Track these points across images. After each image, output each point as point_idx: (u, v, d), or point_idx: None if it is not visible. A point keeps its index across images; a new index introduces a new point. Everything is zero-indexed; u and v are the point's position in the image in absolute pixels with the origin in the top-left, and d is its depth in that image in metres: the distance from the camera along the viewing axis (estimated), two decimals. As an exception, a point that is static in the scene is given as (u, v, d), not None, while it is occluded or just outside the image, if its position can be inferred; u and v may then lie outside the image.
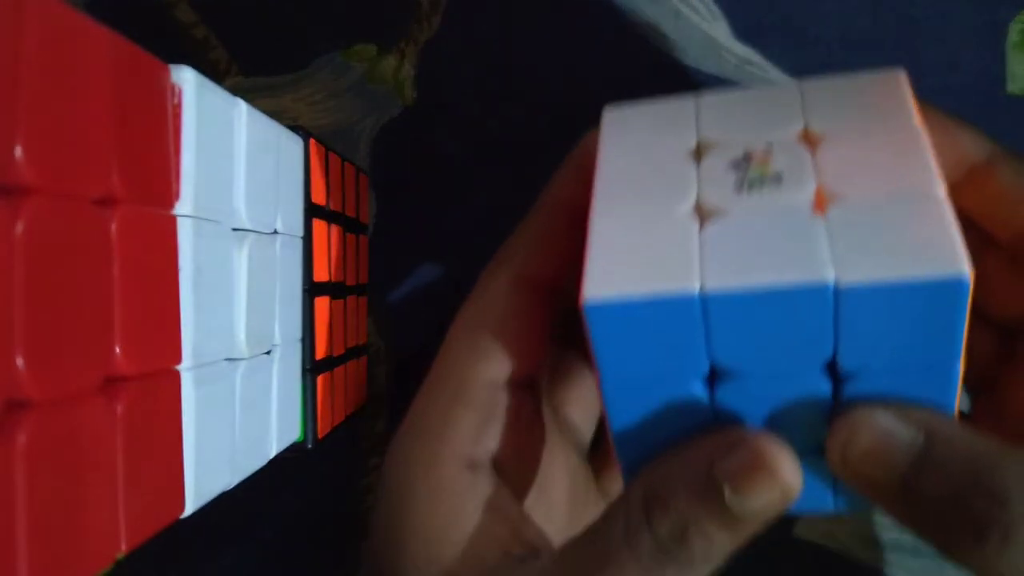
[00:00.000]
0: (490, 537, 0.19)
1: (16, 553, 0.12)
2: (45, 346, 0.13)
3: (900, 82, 0.19)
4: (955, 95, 0.26)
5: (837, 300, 0.15)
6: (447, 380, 0.20)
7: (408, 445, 0.20)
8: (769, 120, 0.19)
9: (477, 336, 0.20)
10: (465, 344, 0.20)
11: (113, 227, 0.15)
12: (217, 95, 0.18)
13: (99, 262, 0.14)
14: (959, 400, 0.16)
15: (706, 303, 0.15)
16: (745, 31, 0.27)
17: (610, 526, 0.17)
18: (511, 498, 0.20)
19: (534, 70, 0.28)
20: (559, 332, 0.22)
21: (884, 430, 0.16)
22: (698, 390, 0.17)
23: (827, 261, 0.15)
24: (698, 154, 0.19)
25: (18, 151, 0.12)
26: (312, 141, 0.23)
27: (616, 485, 0.24)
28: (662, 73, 0.28)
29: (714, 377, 0.17)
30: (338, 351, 0.25)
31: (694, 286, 0.15)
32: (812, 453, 0.17)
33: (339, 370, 0.26)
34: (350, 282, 0.27)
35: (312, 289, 0.23)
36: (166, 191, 0.16)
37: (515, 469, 0.21)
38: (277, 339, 0.21)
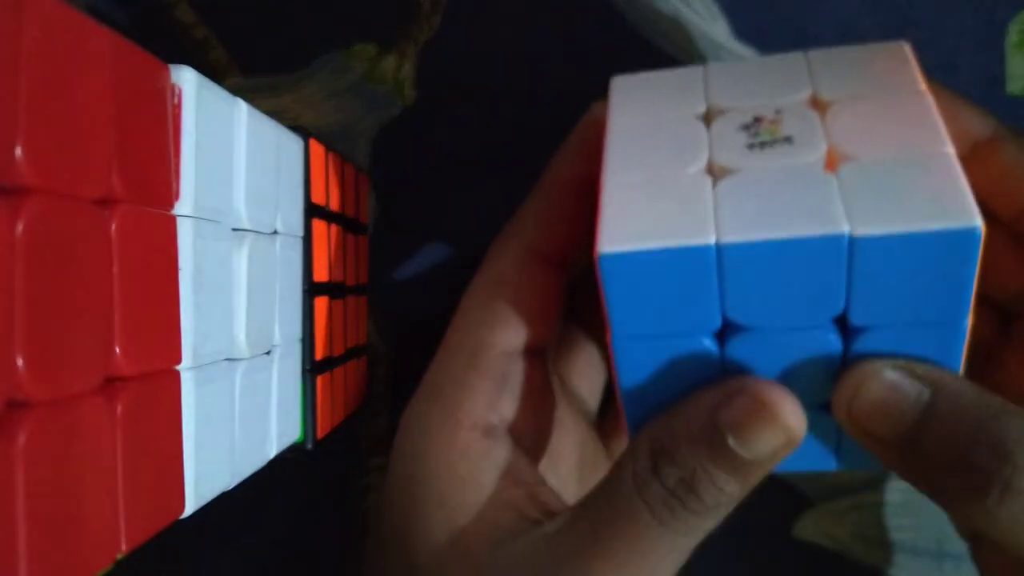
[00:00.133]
0: (506, 501, 0.19)
1: (16, 553, 0.12)
2: (45, 346, 0.13)
3: (905, 52, 0.19)
4: (955, 95, 0.26)
5: (851, 252, 0.15)
6: (462, 347, 0.21)
7: (424, 411, 0.21)
8: (777, 87, 0.19)
9: (493, 304, 0.21)
10: (480, 312, 0.21)
11: (113, 227, 0.15)
12: (217, 95, 0.18)
13: (99, 262, 0.14)
14: (965, 360, 0.17)
15: (722, 254, 0.16)
16: (745, 31, 0.27)
17: (620, 479, 0.17)
18: (526, 462, 0.20)
19: (534, 70, 0.28)
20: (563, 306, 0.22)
21: (891, 384, 0.16)
22: (708, 345, 0.17)
23: (841, 214, 0.15)
24: (707, 119, 0.19)
25: (18, 151, 0.12)
26: (312, 141, 0.23)
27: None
28: (662, 73, 0.28)
29: (723, 333, 0.17)
30: (338, 351, 0.25)
31: (710, 238, 0.16)
32: (818, 409, 0.18)
33: (339, 370, 0.26)
34: (350, 282, 0.27)
35: (312, 289, 0.23)
36: (166, 191, 0.16)
37: (528, 436, 0.21)
38: (277, 339, 0.21)
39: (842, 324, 0.17)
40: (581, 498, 0.18)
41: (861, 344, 0.17)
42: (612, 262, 0.16)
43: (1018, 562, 0.16)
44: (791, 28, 0.27)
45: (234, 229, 0.19)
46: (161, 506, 0.16)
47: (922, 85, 0.18)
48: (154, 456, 0.16)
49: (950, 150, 0.16)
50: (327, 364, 0.24)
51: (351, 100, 0.29)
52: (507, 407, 0.20)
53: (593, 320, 0.23)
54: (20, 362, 0.12)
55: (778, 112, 0.18)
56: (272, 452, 0.21)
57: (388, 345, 0.30)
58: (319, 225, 0.24)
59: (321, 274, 0.24)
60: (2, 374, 0.12)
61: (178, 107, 0.16)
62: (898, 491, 0.28)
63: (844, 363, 0.17)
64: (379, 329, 0.29)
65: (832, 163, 0.17)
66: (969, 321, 0.16)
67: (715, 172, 0.17)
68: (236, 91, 0.19)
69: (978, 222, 0.15)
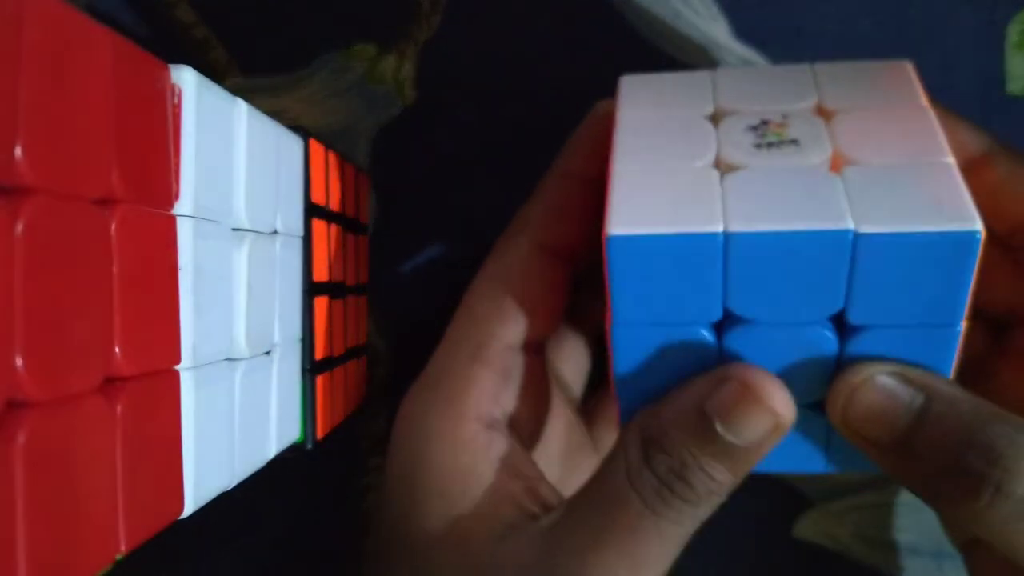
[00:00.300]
0: (505, 494, 0.19)
1: (16, 553, 0.12)
2: (45, 346, 0.13)
3: (907, 69, 0.20)
4: (955, 95, 0.26)
5: (854, 248, 0.15)
6: (468, 340, 0.21)
7: (427, 401, 0.21)
8: (784, 94, 0.19)
9: (499, 299, 0.21)
10: (487, 306, 0.21)
11: (113, 227, 0.15)
12: (217, 95, 0.18)
13: (99, 262, 0.14)
14: (957, 365, 0.17)
15: (729, 242, 0.16)
16: (745, 31, 0.27)
17: (612, 470, 0.18)
18: (525, 456, 0.21)
19: (534, 70, 0.28)
20: None
21: (885, 389, 0.17)
22: (707, 336, 0.17)
23: (846, 211, 0.16)
24: (715, 120, 0.19)
25: (18, 151, 0.12)
26: (312, 141, 0.23)
27: (607, 437, 0.25)
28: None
29: (722, 325, 0.17)
30: (338, 351, 0.25)
31: (718, 226, 0.16)
32: (811, 409, 0.18)
33: (339, 370, 0.26)
34: (350, 282, 0.27)
35: (312, 289, 0.23)
36: (166, 191, 0.16)
37: (526, 428, 0.21)
38: (277, 339, 0.21)
39: (839, 323, 0.17)
40: (576, 491, 0.19)
41: (857, 344, 0.17)
42: (620, 244, 0.16)
43: (1011, 568, 0.16)
44: (791, 28, 0.27)
45: (234, 229, 0.19)
46: (161, 506, 0.16)
47: (924, 100, 0.19)
48: (154, 456, 0.16)
49: (951, 160, 0.17)
50: (327, 364, 0.24)
51: (351, 100, 0.29)
52: (508, 400, 0.21)
53: (583, 308, 0.23)
54: (20, 362, 0.12)
55: (785, 117, 0.18)
56: (272, 452, 0.21)
57: (388, 345, 0.30)
58: (319, 225, 0.24)
59: (321, 274, 0.24)
60: (2, 374, 0.12)
61: (178, 107, 0.16)
62: (898, 491, 0.28)
63: (839, 363, 0.17)
64: (379, 329, 0.29)
65: (836, 166, 0.17)
66: (963, 326, 0.16)
67: (722, 168, 0.18)
68: (236, 91, 0.19)
69: (979, 226, 0.15)
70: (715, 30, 0.27)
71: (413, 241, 0.29)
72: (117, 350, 0.15)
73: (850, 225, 0.15)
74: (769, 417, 0.16)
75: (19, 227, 0.12)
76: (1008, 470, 0.15)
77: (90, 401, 0.14)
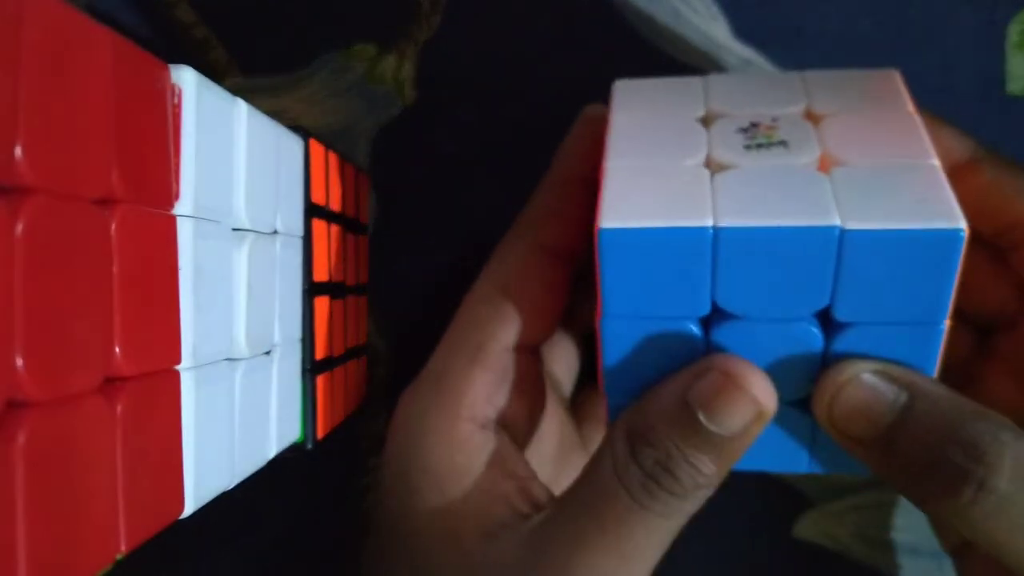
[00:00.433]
0: (498, 494, 0.20)
1: (16, 553, 0.12)
2: (45, 346, 0.13)
3: (895, 77, 0.20)
4: (955, 95, 0.26)
5: (840, 245, 0.16)
6: (468, 341, 0.21)
7: (425, 400, 0.21)
8: (774, 99, 0.20)
9: (499, 302, 0.21)
10: (488, 308, 0.21)
11: (113, 227, 0.15)
12: (217, 95, 0.18)
13: (99, 262, 0.14)
14: (940, 363, 0.17)
15: (718, 237, 0.16)
16: (745, 31, 0.27)
17: (600, 467, 0.18)
18: (518, 456, 0.21)
19: (534, 70, 0.28)
20: None
21: (870, 387, 0.17)
22: (694, 331, 0.17)
23: (834, 208, 0.16)
24: (706, 122, 0.20)
25: (18, 151, 0.12)
26: (312, 141, 0.23)
27: (595, 435, 0.26)
28: (662, 73, 0.28)
29: (710, 321, 0.17)
30: (338, 351, 0.25)
31: (708, 220, 0.16)
32: (796, 407, 0.18)
33: (339, 370, 0.26)
34: (350, 282, 0.27)
35: (312, 289, 0.23)
36: (166, 191, 0.16)
37: (520, 428, 0.22)
38: (277, 339, 0.21)
39: (825, 320, 0.17)
40: (565, 489, 0.19)
41: (842, 341, 0.17)
42: (612, 237, 0.16)
43: (1000, 572, 0.16)
44: (791, 28, 0.27)
45: (234, 229, 0.19)
46: (161, 506, 0.16)
47: (911, 106, 0.19)
48: (154, 456, 0.16)
49: (936, 162, 0.17)
50: (327, 364, 0.24)
51: (351, 100, 0.29)
52: (504, 401, 0.21)
53: (573, 309, 0.24)
54: (20, 362, 0.12)
55: (774, 120, 0.19)
56: (272, 452, 0.21)
57: (388, 345, 0.30)
58: (319, 225, 0.24)
59: (321, 274, 0.24)
60: (2, 374, 0.12)
61: (178, 107, 0.16)
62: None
63: (824, 360, 0.17)
64: (379, 329, 0.29)
65: (824, 167, 0.18)
66: (947, 325, 0.16)
67: (713, 167, 0.18)
68: (236, 91, 0.19)
69: (963, 224, 0.15)
70: (715, 30, 0.27)
71: (413, 241, 0.29)
72: (117, 350, 0.15)
73: (837, 222, 0.16)
74: (751, 406, 0.17)
75: (19, 227, 0.12)
76: (990, 466, 0.15)
77: (90, 401, 0.14)
